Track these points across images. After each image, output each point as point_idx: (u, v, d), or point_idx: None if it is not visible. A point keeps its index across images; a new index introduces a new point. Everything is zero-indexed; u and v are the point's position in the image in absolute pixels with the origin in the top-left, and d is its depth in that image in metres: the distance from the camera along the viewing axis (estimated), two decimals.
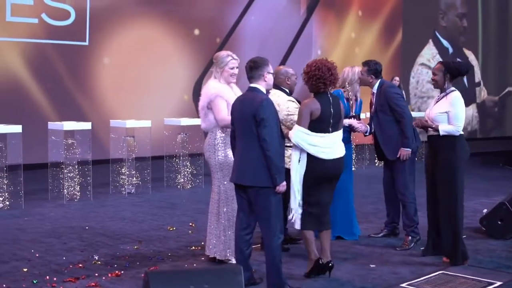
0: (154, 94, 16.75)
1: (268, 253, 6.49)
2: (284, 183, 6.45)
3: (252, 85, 6.62)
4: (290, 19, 19.69)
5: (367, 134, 8.82)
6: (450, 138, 7.53)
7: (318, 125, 6.93)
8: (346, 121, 8.38)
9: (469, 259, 7.69)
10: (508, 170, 16.42)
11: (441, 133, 7.49)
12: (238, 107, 6.60)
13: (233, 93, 7.39)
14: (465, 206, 10.87)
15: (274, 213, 6.45)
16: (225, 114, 7.27)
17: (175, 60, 17.36)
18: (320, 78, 6.98)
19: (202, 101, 7.50)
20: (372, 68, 8.71)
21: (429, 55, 24.01)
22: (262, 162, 6.37)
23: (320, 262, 7.05)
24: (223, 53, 7.58)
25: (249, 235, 6.62)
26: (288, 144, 7.43)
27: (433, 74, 7.69)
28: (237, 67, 7.44)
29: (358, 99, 8.98)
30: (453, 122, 7.50)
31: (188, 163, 12.88)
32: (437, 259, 7.86)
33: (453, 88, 7.59)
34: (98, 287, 6.65)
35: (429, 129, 7.67)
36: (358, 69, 8.84)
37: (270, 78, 6.66)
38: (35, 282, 6.79)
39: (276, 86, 7.74)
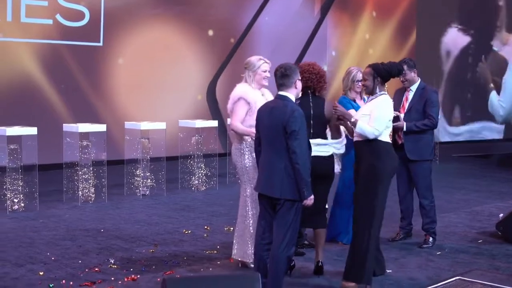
0: (168, 94, 16.75)
1: (274, 264, 6.37)
2: (312, 196, 6.36)
3: (282, 93, 6.48)
4: (304, 20, 19.65)
5: (404, 129, 8.67)
6: (374, 145, 6.93)
7: None
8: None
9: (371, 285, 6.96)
10: None
11: (356, 129, 6.99)
12: (266, 114, 6.46)
13: (263, 97, 7.44)
14: (480, 210, 11.05)
15: (292, 225, 6.36)
16: (239, 121, 7.33)
17: (189, 61, 17.35)
18: (308, 80, 7.40)
19: (229, 103, 7.55)
20: (411, 64, 8.76)
21: None
22: (289, 174, 6.28)
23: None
24: (255, 57, 7.62)
25: (270, 244, 6.53)
26: None
27: (363, 79, 7.22)
28: (269, 71, 7.43)
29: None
30: (372, 123, 6.88)
31: (202, 165, 12.86)
32: (454, 265, 7.84)
33: (383, 92, 7.08)
34: None
35: (354, 135, 7.16)
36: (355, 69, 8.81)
37: (299, 85, 6.59)
38: (51, 286, 6.79)
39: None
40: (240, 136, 7.46)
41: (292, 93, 6.49)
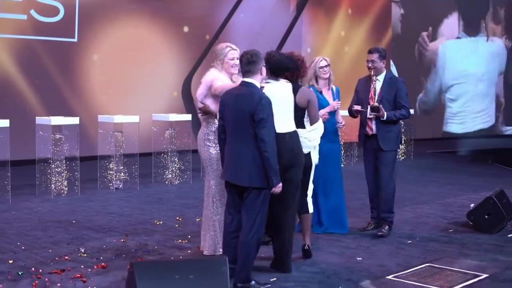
0: (143, 91, 16.72)
1: (243, 249, 6.38)
2: (280, 184, 6.40)
3: (247, 79, 6.44)
4: (280, 17, 19.68)
5: (384, 118, 8.65)
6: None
7: None
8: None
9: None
10: (496, 168, 16.41)
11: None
12: (232, 102, 6.42)
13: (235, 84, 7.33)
14: (453, 202, 11.13)
15: (260, 212, 6.38)
16: (224, 86, 7.13)
17: (165, 57, 17.34)
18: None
19: (201, 88, 7.43)
20: (383, 54, 8.79)
21: None
22: (257, 162, 6.27)
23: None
24: (222, 45, 7.54)
25: (238, 232, 6.54)
26: None
27: None
28: (237, 58, 7.29)
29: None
30: None
31: (176, 159, 12.85)
32: (425, 252, 7.89)
33: (268, 81, 6.95)
34: (83, 278, 6.63)
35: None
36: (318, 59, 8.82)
37: (264, 71, 6.57)
38: (20, 273, 6.75)
39: None
40: (208, 118, 7.42)
41: (257, 80, 6.47)
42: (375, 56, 8.72)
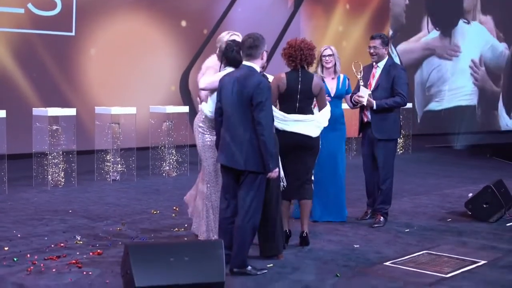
0: (140, 85, 16.65)
1: (239, 234, 6.36)
2: (277, 169, 6.37)
3: (247, 63, 6.44)
4: (278, 12, 19.63)
5: (375, 108, 8.59)
6: None
7: (285, 98, 7.38)
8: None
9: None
10: (495, 161, 16.39)
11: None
12: (230, 85, 6.40)
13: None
14: (451, 193, 11.10)
15: (256, 197, 6.37)
16: (207, 80, 7.18)
17: (162, 52, 17.28)
18: (291, 56, 7.41)
19: (200, 73, 7.48)
20: (386, 41, 8.75)
21: None
22: (254, 145, 6.26)
23: (287, 233, 7.44)
24: (224, 33, 7.55)
25: (234, 217, 6.51)
26: None
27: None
28: None
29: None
30: None
31: (173, 151, 12.81)
32: (422, 240, 7.86)
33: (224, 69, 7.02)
34: (78, 264, 6.59)
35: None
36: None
37: (265, 56, 6.57)
38: (15, 260, 6.72)
39: None
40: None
41: (258, 64, 6.48)
42: (377, 42, 8.66)
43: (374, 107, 8.53)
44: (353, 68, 8.74)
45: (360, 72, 8.72)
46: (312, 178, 7.63)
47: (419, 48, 23.82)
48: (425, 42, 23.90)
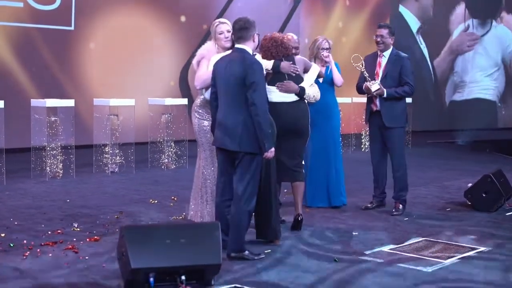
0: (140, 80, 16.62)
1: (235, 218, 6.34)
2: (273, 149, 6.36)
3: (240, 45, 6.46)
4: (278, 8, 19.62)
5: (384, 96, 8.61)
6: None
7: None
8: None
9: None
10: (494, 155, 16.35)
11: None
12: (223, 67, 6.42)
13: None
14: (451, 185, 11.06)
15: (252, 179, 6.35)
16: (201, 78, 7.28)
17: (161, 47, 17.26)
18: (267, 50, 7.51)
19: (194, 60, 7.54)
20: (392, 31, 8.76)
21: None
22: (248, 126, 6.24)
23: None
24: (214, 22, 7.55)
25: (230, 201, 6.49)
26: None
27: None
28: (228, 31, 7.31)
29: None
30: None
31: (172, 144, 12.76)
32: (421, 228, 7.83)
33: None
34: (75, 250, 6.55)
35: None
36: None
37: (257, 39, 6.56)
38: (11, 245, 6.69)
39: None
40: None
41: (250, 46, 6.49)
42: (384, 32, 8.68)
43: (385, 95, 8.55)
44: (352, 62, 8.69)
45: (362, 65, 8.68)
46: (303, 163, 7.65)
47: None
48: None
